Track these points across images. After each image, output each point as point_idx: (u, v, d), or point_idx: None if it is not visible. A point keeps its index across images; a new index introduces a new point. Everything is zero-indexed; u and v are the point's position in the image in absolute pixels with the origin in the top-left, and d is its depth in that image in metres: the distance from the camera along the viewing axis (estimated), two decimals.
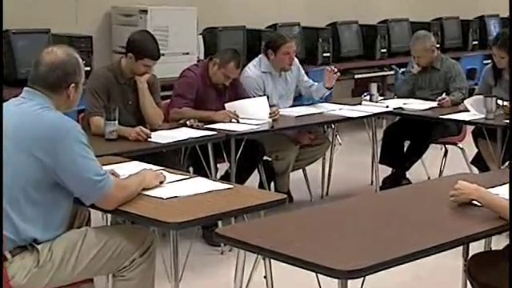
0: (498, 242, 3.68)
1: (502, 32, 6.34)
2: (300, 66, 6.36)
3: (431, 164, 6.89)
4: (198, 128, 5.27)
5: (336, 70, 6.23)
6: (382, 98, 6.73)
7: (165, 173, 3.70)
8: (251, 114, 5.57)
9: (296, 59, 6.22)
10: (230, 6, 8.68)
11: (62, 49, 3.37)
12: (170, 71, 6.55)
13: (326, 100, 6.51)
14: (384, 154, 6.58)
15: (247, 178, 5.71)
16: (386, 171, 6.64)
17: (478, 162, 6.15)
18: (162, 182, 3.59)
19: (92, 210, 3.59)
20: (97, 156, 3.31)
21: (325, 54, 8.68)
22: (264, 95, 5.90)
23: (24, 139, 3.14)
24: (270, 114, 5.64)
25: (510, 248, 3.16)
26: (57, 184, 3.20)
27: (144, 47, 5.05)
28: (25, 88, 3.34)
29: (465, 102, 6.05)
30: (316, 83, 6.35)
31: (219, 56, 5.64)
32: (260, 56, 6.20)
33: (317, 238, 2.96)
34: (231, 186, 3.67)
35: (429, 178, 6.75)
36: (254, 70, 6.09)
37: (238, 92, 5.77)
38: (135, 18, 7.29)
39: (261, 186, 5.97)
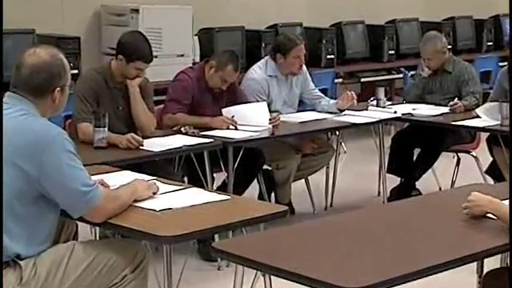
0: None
1: None
2: (308, 74, 6.35)
3: (443, 173, 6.88)
4: (193, 135, 5.27)
5: (356, 96, 6.22)
6: (389, 102, 6.72)
7: (158, 183, 3.69)
8: (250, 119, 5.56)
9: (304, 66, 6.22)
10: (227, 5, 8.69)
11: (46, 50, 3.37)
12: (163, 74, 6.56)
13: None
14: (392, 162, 6.58)
15: (246, 189, 5.70)
16: (394, 181, 6.63)
17: (493, 171, 6.14)
18: (154, 193, 3.59)
19: (80, 223, 3.58)
20: (85, 165, 3.31)
21: (328, 56, 8.69)
22: (267, 100, 5.91)
23: (6, 148, 3.12)
24: (270, 119, 5.63)
25: (510, 258, 3.16)
26: (42, 196, 3.19)
27: (136, 49, 5.05)
28: (7, 93, 3.34)
29: (477, 110, 6.05)
30: (326, 98, 6.36)
31: (216, 58, 5.64)
32: (266, 58, 6.20)
33: (320, 252, 2.96)
34: (229, 197, 3.67)
35: (440, 188, 6.75)
36: (259, 72, 6.09)
37: (236, 97, 5.77)
38: (126, 18, 7.29)
39: (260, 197, 5.96)
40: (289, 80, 6.19)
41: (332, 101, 6.31)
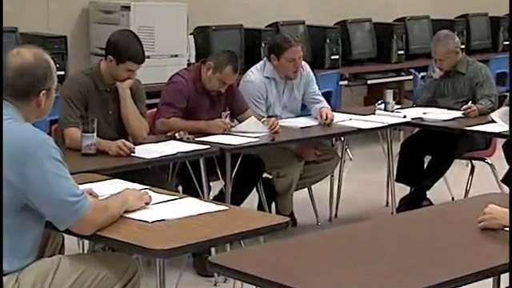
0: None
1: None
2: (311, 74, 6.28)
3: (456, 182, 6.88)
4: (188, 141, 5.27)
5: (331, 120, 6.05)
6: (398, 106, 6.72)
7: (150, 193, 3.69)
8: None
9: (307, 66, 6.21)
10: (224, 2, 8.70)
11: (30, 51, 3.37)
12: (156, 76, 6.56)
13: (334, 109, 6.49)
14: (401, 170, 6.58)
15: (244, 199, 5.71)
16: (403, 191, 6.64)
17: (510, 179, 6.14)
18: (147, 204, 3.59)
19: (66, 236, 3.58)
20: (72, 173, 3.31)
21: (333, 57, 8.69)
22: (265, 104, 5.91)
23: None
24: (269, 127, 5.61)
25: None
26: (26, 206, 3.19)
27: (126, 49, 5.05)
28: None
29: (491, 114, 6.04)
30: (323, 103, 6.26)
31: (214, 59, 5.63)
32: (265, 59, 6.19)
33: (323, 267, 2.96)
34: (226, 208, 3.67)
35: (453, 198, 6.75)
36: (257, 74, 6.08)
37: (234, 100, 5.77)
38: (116, 16, 7.30)
39: (260, 207, 5.96)
40: (289, 83, 6.17)
41: (318, 105, 6.22)
